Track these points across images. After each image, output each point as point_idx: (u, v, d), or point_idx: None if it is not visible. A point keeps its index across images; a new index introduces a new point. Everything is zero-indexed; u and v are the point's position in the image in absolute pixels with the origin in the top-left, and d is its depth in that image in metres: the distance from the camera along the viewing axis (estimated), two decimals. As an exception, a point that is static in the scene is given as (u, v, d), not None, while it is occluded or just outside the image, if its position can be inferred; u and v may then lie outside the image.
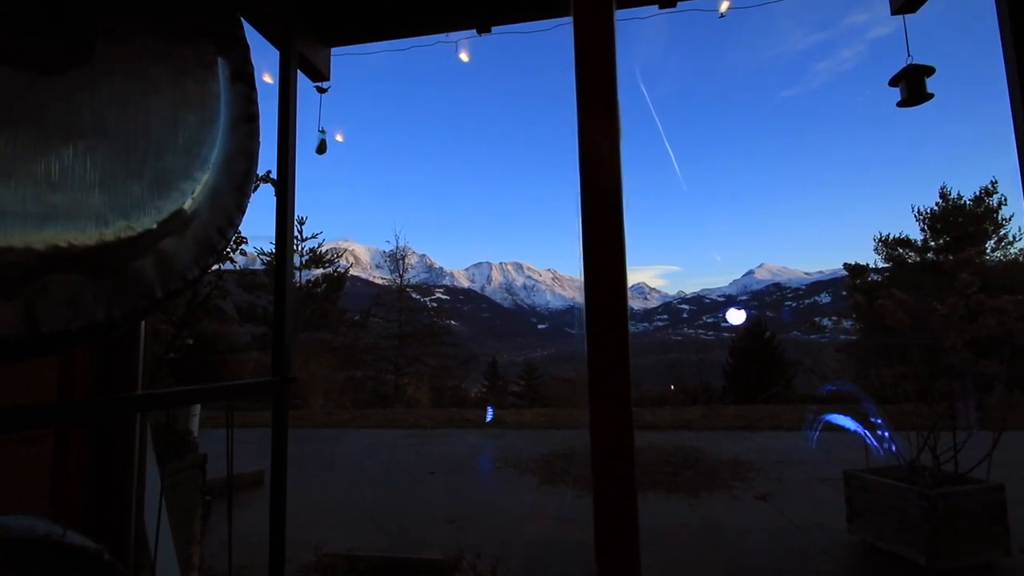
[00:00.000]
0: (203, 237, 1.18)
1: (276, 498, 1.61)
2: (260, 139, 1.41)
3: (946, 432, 2.97)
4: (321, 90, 3.69)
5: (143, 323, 1.88)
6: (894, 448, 2.79)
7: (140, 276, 1.03)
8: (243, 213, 1.32)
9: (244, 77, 1.38)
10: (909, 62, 3.31)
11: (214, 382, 2.35)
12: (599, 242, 1.46)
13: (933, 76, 3.27)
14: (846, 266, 19.75)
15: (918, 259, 22.39)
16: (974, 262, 20.43)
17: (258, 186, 3.11)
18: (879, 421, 2.76)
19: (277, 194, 1.77)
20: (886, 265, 22.98)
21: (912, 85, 3.27)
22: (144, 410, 1.77)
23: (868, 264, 21.89)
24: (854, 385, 3.17)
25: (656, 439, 6.28)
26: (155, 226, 1.06)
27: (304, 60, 2.83)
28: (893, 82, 3.38)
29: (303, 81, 3.38)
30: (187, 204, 1.14)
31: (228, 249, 2.97)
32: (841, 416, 2.95)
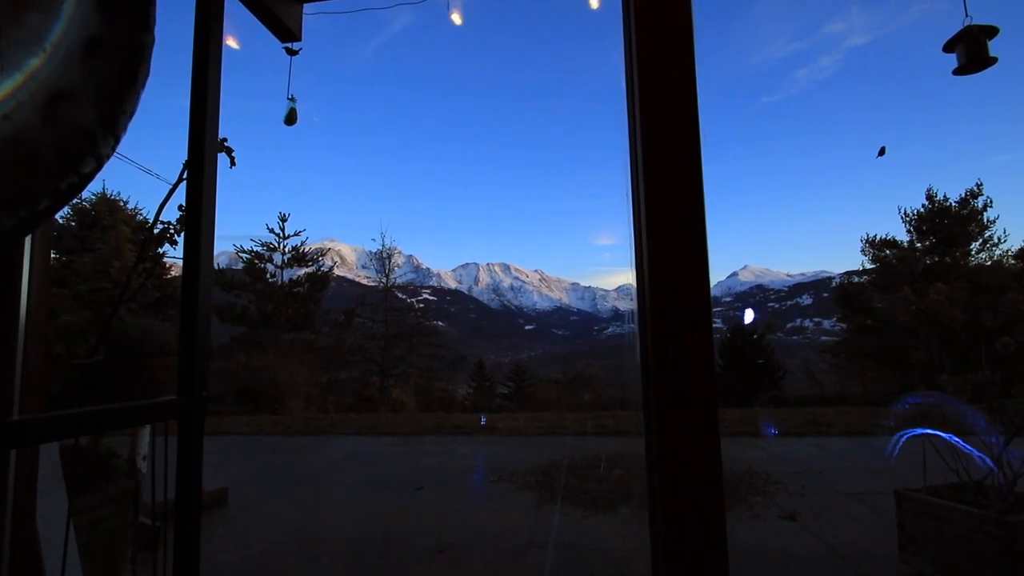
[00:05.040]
0: (26, 164, 0.69)
1: (183, 550, 1.10)
2: (155, 33, 0.92)
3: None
4: (291, 52, 3.16)
5: (21, 322, 1.38)
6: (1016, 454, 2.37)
7: None
8: (117, 138, 0.83)
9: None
10: (967, 23, 2.92)
11: (137, 393, 1.85)
12: (671, 224, 1.01)
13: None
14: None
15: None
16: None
17: (211, 156, 2.59)
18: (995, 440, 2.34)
19: (190, 151, 1.27)
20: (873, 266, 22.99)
21: (971, 49, 2.87)
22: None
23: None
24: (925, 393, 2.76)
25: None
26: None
27: (272, 15, 2.35)
28: (948, 47, 2.97)
29: (272, 42, 2.86)
30: (-9, 101, 0.66)
31: (171, 231, 2.45)
32: (932, 430, 2.51)
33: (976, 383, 2.53)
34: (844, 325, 23.05)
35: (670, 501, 1.02)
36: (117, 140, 0.84)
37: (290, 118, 3.34)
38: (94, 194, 15.68)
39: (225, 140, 2.79)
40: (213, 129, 1.29)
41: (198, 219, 1.10)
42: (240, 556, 3.13)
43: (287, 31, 2.50)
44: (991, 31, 2.77)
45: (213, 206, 1.17)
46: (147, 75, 0.90)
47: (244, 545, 3.29)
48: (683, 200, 0.98)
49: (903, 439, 2.69)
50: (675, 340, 0.96)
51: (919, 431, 2.55)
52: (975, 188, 21.79)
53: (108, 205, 15.60)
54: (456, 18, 3.69)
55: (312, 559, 3.09)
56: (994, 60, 2.77)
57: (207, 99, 1.18)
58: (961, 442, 2.47)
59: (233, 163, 2.71)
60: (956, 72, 2.86)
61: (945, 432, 2.48)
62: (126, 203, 15.93)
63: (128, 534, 2.22)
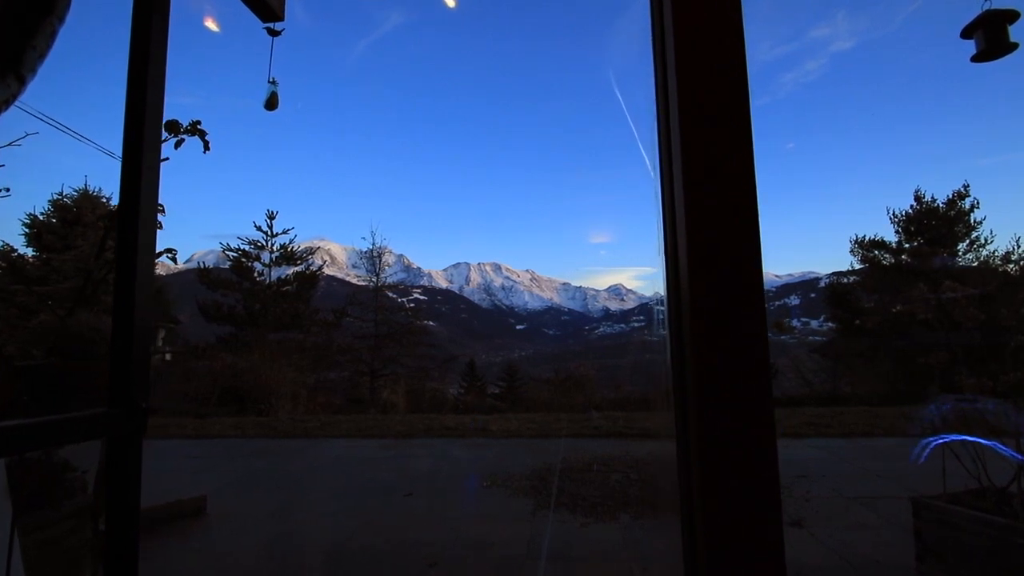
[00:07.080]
0: None
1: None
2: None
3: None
4: (273, 32, 2.96)
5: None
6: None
7: None
8: (21, 78, 0.65)
9: None
10: (986, 7, 2.80)
11: (90, 398, 1.65)
12: (717, 198, 0.85)
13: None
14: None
15: (892, 261, 22.57)
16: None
17: (182, 141, 2.39)
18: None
19: (127, 116, 1.07)
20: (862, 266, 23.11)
21: (991, 34, 2.74)
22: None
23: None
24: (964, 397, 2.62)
25: (656, 449, 5.72)
26: None
27: (251, -8, 2.16)
28: (966, 33, 2.85)
29: (253, 21, 2.69)
30: None
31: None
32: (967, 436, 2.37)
33: (1009, 384, 2.40)
34: (832, 325, 23.18)
35: (714, 515, 0.85)
36: (22, 81, 0.66)
37: (270, 103, 3.14)
38: (76, 190, 15.29)
39: (199, 123, 2.59)
40: (156, 97, 1.10)
41: (136, 197, 0.91)
42: (217, 572, 2.93)
43: (268, 10, 2.31)
44: (1012, 15, 2.66)
45: (155, 185, 0.98)
46: (66, 10, 0.72)
47: (221, 558, 3.09)
48: (729, 169, 0.82)
49: (932, 445, 2.55)
50: (722, 327, 0.80)
51: (954, 437, 2.41)
52: (962, 189, 21.97)
53: (90, 201, 15.21)
54: (450, 1, 3.51)
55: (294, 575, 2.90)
56: (1015, 46, 2.65)
57: (149, 60, 0.99)
58: (1009, 449, 2.34)
59: (207, 147, 2.51)
60: (975, 59, 2.73)
61: (983, 439, 2.34)
62: (108, 199, 15.53)
63: (87, 555, 2.01)
